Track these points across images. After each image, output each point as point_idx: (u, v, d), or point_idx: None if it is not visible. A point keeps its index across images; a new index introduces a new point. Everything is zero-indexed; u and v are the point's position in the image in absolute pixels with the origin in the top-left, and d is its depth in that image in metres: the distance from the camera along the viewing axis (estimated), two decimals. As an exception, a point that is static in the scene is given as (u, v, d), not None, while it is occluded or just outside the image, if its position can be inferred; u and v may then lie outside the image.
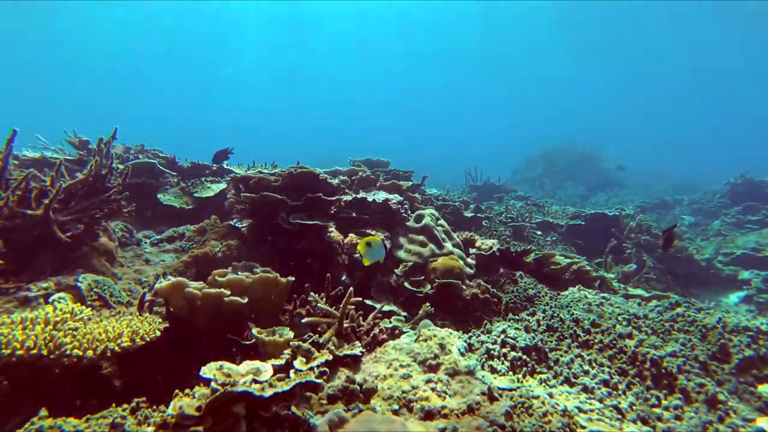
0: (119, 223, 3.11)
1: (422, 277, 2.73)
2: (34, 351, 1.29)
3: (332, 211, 3.02)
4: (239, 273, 2.02)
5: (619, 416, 1.54)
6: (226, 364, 1.34)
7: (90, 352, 1.37)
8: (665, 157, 25.33)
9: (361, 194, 3.25)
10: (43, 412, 1.19)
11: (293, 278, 2.08)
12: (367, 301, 2.49)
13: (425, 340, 1.84)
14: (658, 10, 23.55)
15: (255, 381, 1.25)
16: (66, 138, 3.96)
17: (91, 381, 1.57)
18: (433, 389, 1.49)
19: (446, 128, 50.42)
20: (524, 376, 1.75)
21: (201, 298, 1.78)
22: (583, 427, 1.41)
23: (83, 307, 1.67)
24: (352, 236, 2.91)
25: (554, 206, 6.85)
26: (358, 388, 1.48)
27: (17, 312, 1.76)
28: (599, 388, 1.67)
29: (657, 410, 1.59)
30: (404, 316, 2.42)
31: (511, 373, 1.77)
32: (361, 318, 2.02)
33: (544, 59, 33.28)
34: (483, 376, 1.68)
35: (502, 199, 7.63)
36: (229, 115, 51.59)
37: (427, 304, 2.39)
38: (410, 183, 3.89)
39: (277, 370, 1.44)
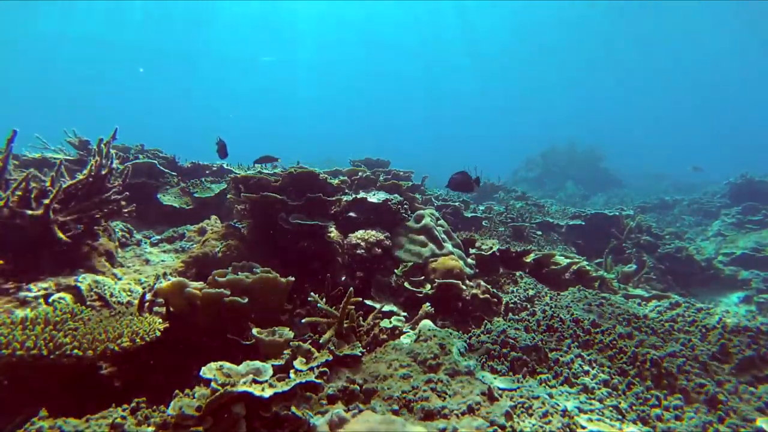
0: (119, 223, 3.11)
1: (422, 277, 2.73)
2: (34, 351, 1.29)
3: (332, 211, 3.02)
4: (239, 273, 2.02)
5: (620, 416, 1.54)
6: (226, 365, 1.34)
7: (90, 352, 1.37)
8: (665, 157, 25.35)
9: (361, 194, 3.24)
10: (43, 412, 1.19)
11: (293, 278, 2.08)
12: (367, 301, 2.49)
13: (425, 340, 1.84)
14: (660, 11, 23.56)
15: (255, 381, 1.25)
16: (66, 138, 3.97)
17: (91, 381, 1.57)
18: (433, 389, 1.49)
19: (446, 128, 50.45)
20: (524, 377, 1.75)
21: (201, 298, 1.78)
22: (583, 428, 1.41)
23: (83, 307, 1.67)
24: (352, 236, 2.91)
25: (554, 206, 6.86)
26: (358, 388, 1.48)
27: (17, 312, 1.76)
28: (599, 389, 1.67)
29: (657, 410, 1.59)
30: (404, 316, 2.42)
31: (511, 373, 1.77)
32: (361, 318, 2.03)
33: (545, 60, 33.28)
34: (483, 376, 1.68)
35: (502, 199, 7.63)
36: (229, 115, 51.64)
37: (427, 304, 2.38)
38: (410, 183, 3.89)
39: (277, 370, 1.44)
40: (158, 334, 1.59)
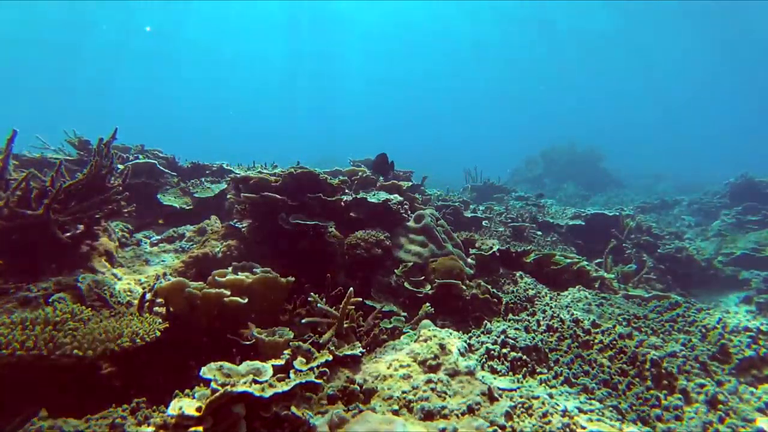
0: (119, 223, 3.11)
1: (422, 278, 2.73)
2: (34, 351, 1.29)
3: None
4: (239, 273, 2.02)
5: (619, 416, 1.53)
6: (226, 365, 1.34)
7: (90, 352, 1.37)
8: (665, 157, 25.36)
9: (361, 194, 3.24)
10: (43, 412, 1.19)
11: (293, 278, 2.08)
12: (367, 302, 2.49)
13: (425, 341, 1.84)
14: (660, 11, 23.57)
15: (255, 381, 1.25)
16: (66, 138, 3.97)
17: (91, 381, 1.57)
18: (433, 389, 1.49)
19: (446, 129, 50.47)
20: (524, 377, 1.75)
21: (201, 298, 1.78)
22: (583, 428, 1.41)
23: (83, 307, 1.67)
24: (351, 237, 2.91)
25: (554, 206, 6.85)
26: (358, 388, 1.48)
27: (17, 312, 1.76)
28: (599, 389, 1.67)
29: (657, 410, 1.59)
30: (404, 317, 2.42)
31: (511, 373, 1.77)
32: (361, 318, 2.03)
33: (545, 60, 33.28)
34: (483, 377, 1.68)
35: (502, 199, 7.63)
36: (229, 115, 51.67)
37: (427, 304, 2.38)
38: (410, 183, 3.89)
39: (277, 370, 1.44)
40: (158, 334, 1.59)
